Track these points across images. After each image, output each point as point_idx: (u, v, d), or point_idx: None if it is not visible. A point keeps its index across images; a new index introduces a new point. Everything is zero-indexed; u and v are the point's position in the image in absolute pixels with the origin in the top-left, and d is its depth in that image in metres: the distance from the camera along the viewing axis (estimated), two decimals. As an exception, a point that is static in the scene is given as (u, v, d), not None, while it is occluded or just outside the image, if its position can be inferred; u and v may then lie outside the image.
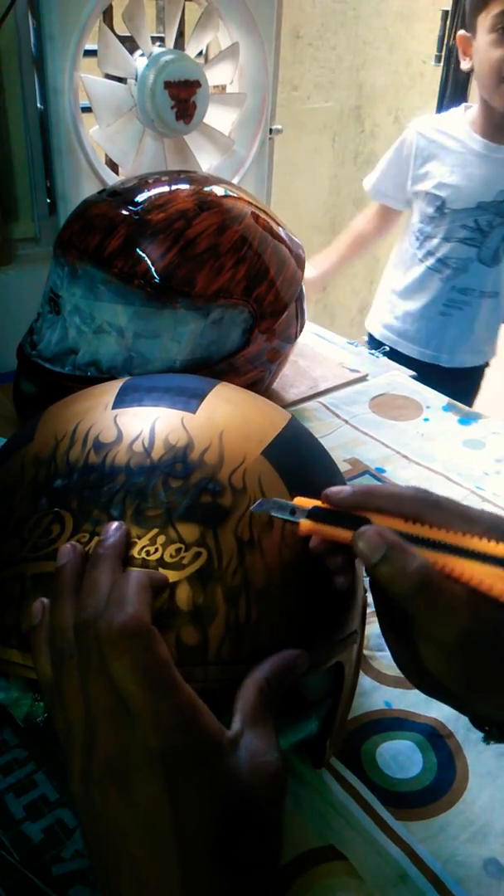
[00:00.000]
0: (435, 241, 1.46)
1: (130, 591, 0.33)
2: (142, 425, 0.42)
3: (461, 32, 1.39)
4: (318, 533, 0.39)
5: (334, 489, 0.39)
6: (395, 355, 1.24)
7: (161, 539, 0.38)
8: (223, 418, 0.44)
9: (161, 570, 0.37)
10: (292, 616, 0.40)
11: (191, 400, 0.45)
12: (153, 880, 0.30)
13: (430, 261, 1.48)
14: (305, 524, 0.39)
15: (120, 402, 0.45)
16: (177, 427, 0.42)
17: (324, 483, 0.43)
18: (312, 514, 0.39)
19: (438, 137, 1.44)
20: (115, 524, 0.37)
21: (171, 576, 0.37)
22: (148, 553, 0.37)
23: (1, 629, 0.38)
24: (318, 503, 0.39)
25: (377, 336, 1.59)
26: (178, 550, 0.38)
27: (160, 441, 0.41)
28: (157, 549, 0.37)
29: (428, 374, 1.09)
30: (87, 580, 0.35)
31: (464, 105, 1.47)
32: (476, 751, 0.53)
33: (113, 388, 0.47)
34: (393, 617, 0.40)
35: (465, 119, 1.43)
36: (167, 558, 0.37)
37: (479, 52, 1.34)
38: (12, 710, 0.48)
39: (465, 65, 1.41)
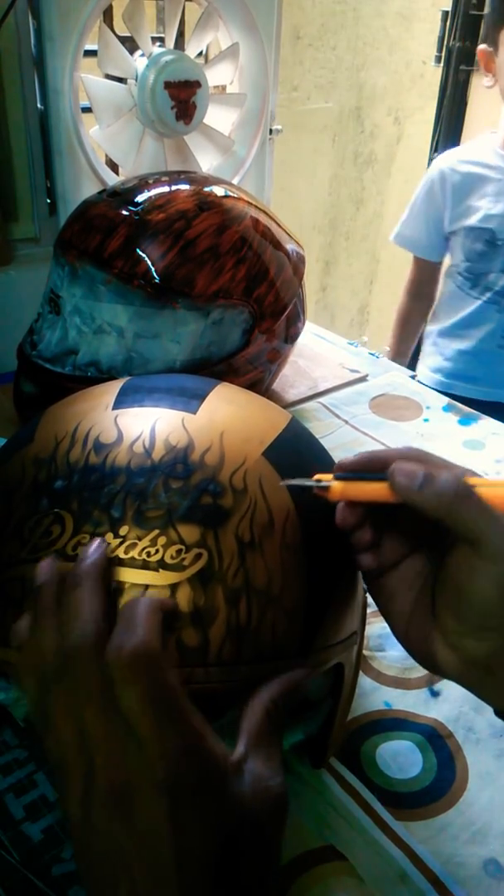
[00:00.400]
0: (492, 276, 1.38)
1: (140, 617, 0.33)
2: (142, 426, 0.42)
3: (482, 47, 1.33)
4: (349, 492, 0.40)
5: (344, 459, 0.40)
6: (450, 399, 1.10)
7: (162, 540, 0.38)
8: (224, 419, 0.44)
9: (161, 570, 0.37)
10: (293, 617, 0.39)
11: (191, 400, 0.45)
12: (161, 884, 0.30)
13: (488, 294, 1.39)
14: (338, 486, 0.40)
15: (120, 402, 0.45)
16: (177, 428, 0.42)
17: None
18: (339, 477, 0.40)
19: (472, 168, 1.37)
20: (95, 542, 0.37)
21: (172, 577, 0.37)
22: (149, 554, 0.37)
23: (1, 630, 0.38)
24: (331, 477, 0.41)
25: (430, 384, 1.43)
26: (179, 552, 0.38)
27: (161, 442, 0.41)
28: (157, 551, 0.37)
29: (491, 411, 1.00)
30: (70, 601, 0.34)
31: (489, 131, 1.42)
32: (476, 751, 0.53)
33: (113, 388, 0.47)
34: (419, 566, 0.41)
35: (495, 144, 1.37)
36: (168, 559, 0.37)
37: (503, 68, 1.28)
38: (13, 709, 0.48)
39: (487, 82, 1.34)
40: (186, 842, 0.30)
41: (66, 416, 0.45)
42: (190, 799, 0.30)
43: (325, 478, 0.40)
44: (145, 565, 0.37)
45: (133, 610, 0.33)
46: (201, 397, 0.45)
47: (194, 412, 0.44)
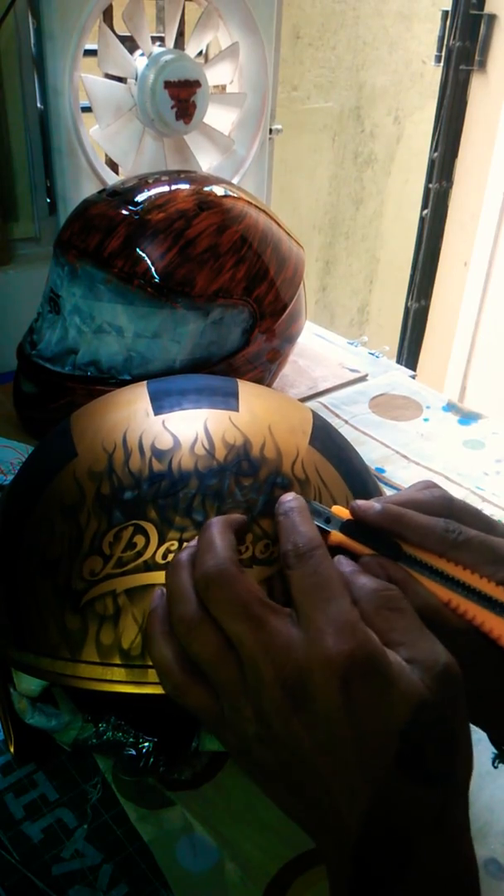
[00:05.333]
0: None
1: (214, 537, 0.34)
2: (194, 428, 0.42)
3: None
4: (344, 547, 0.38)
5: (364, 505, 0.37)
6: None
7: (249, 537, 0.38)
8: (264, 413, 0.45)
9: (255, 566, 0.38)
10: None
11: (228, 398, 0.45)
12: (340, 801, 0.30)
13: None
14: (336, 536, 0.38)
15: (160, 407, 0.45)
16: (229, 426, 0.43)
17: (362, 467, 0.46)
18: (345, 527, 0.38)
19: None
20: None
21: (265, 571, 0.38)
22: (240, 553, 0.37)
23: (99, 648, 0.38)
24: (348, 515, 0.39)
25: None
26: (267, 546, 0.38)
27: (219, 441, 0.42)
28: (247, 548, 0.38)
29: None
30: (200, 546, 0.35)
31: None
32: (476, 751, 0.53)
33: (139, 394, 0.47)
34: None
35: None
36: (258, 554, 0.38)
37: None
38: (60, 736, 0.48)
39: None
40: (363, 728, 0.29)
41: (105, 426, 0.44)
42: (361, 681, 0.29)
43: (341, 514, 0.38)
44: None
45: (207, 532, 0.34)
46: (235, 395, 0.46)
47: (237, 410, 0.44)
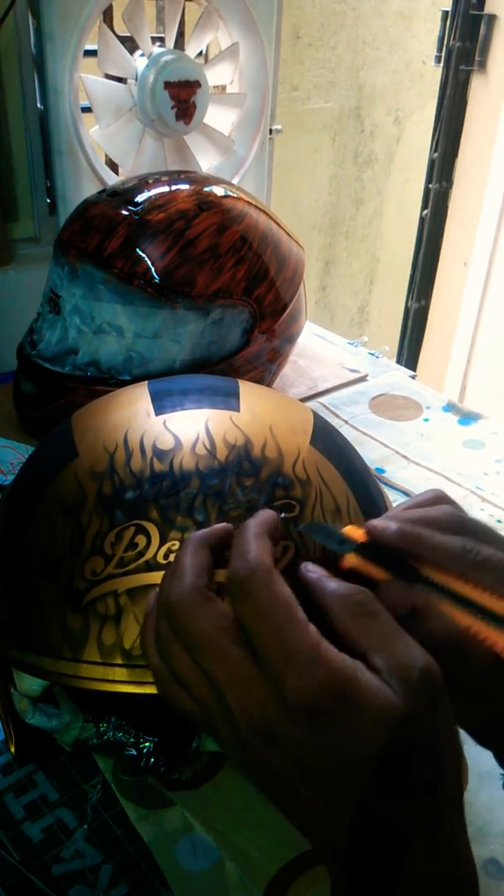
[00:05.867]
0: None
1: (249, 541, 0.33)
2: (196, 428, 0.42)
3: None
4: (360, 570, 0.36)
5: (380, 525, 0.36)
6: None
7: None
8: (265, 413, 0.45)
9: None
10: None
11: (229, 398, 0.45)
12: (325, 818, 0.29)
13: None
14: (350, 559, 0.36)
15: (161, 407, 0.45)
16: (230, 426, 0.43)
17: (363, 467, 0.46)
18: (360, 549, 0.36)
19: None
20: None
21: None
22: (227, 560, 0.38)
23: (101, 648, 0.38)
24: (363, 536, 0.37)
25: None
26: None
27: (220, 441, 0.42)
28: None
29: None
30: (173, 565, 0.35)
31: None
32: (476, 751, 0.53)
33: (140, 394, 0.47)
34: None
35: None
36: None
37: None
38: (61, 736, 0.48)
39: None
40: (340, 755, 0.29)
41: (107, 426, 0.44)
42: (327, 711, 0.29)
43: (354, 535, 0.37)
44: None
45: (243, 535, 0.33)
46: (236, 395, 0.46)
47: (238, 410, 0.44)
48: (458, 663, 0.33)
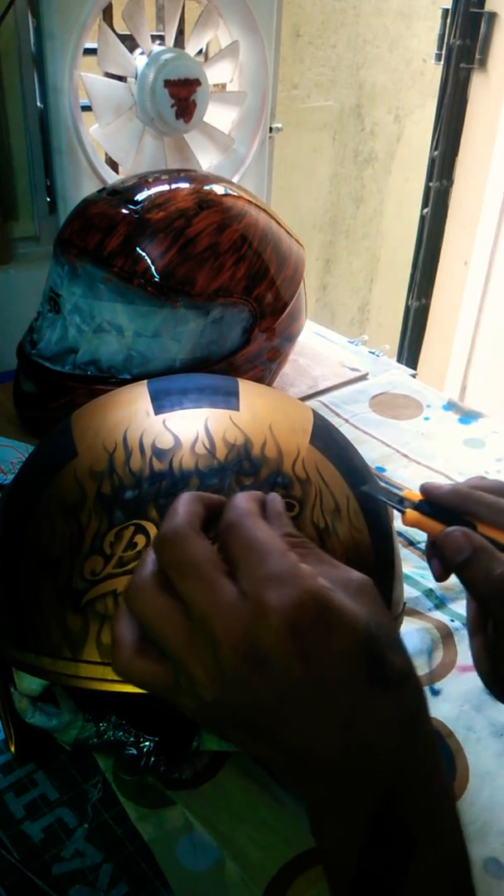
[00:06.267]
0: None
1: (175, 506, 0.34)
2: (195, 427, 0.42)
3: None
4: (420, 525, 0.41)
5: (433, 484, 0.41)
6: None
7: None
8: (265, 413, 0.45)
9: None
10: None
11: (229, 398, 0.45)
12: (314, 736, 0.30)
13: None
14: (411, 514, 0.40)
15: (160, 406, 0.45)
16: (230, 426, 0.43)
17: (363, 466, 0.47)
18: (419, 506, 0.41)
19: None
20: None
21: None
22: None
23: (100, 648, 0.38)
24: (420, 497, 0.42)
25: None
26: None
27: (219, 441, 0.42)
28: None
29: None
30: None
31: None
32: (476, 750, 0.53)
33: (139, 393, 0.47)
34: (477, 614, 0.43)
35: None
36: None
37: None
38: (61, 735, 0.48)
39: None
40: (326, 666, 0.30)
41: (106, 425, 0.44)
42: (311, 626, 0.30)
43: (412, 497, 0.41)
44: None
45: (174, 502, 0.34)
46: (235, 394, 0.46)
47: (237, 409, 0.44)
48: None
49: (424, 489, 0.41)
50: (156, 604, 0.32)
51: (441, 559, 0.43)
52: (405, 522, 0.41)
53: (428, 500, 0.41)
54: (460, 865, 0.31)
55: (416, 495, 0.41)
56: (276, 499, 0.35)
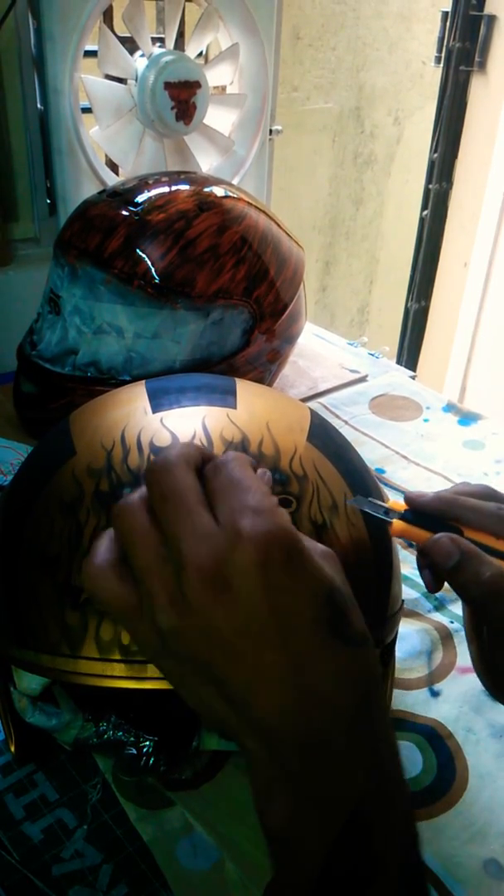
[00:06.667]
0: None
1: (170, 446, 0.35)
2: (192, 425, 0.43)
3: None
4: (406, 534, 0.41)
5: (416, 493, 0.41)
6: None
7: None
8: (262, 411, 0.45)
9: None
10: (368, 590, 0.42)
11: (226, 396, 0.46)
12: (272, 676, 0.29)
13: None
14: (398, 524, 0.40)
15: (158, 405, 0.45)
16: (227, 423, 0.43)
17: (361, 465, 0.47)
18: (405, 516, 0.41)
19: None
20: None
21: None
22: None
23: (99, 644, 0.38)
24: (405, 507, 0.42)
25: None
26: None
27: (217, 438, 0.42)
28: None
29: None
30: None
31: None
32: (476, 751, 0.53)
33: (138, 392, 0.47)
34: (473, 620, 0.43)
35: None
36: None
37: None
38: (61, 735, 0.48)
39: None
40: (291, 604, 0.30)
41: (104, 424, 0.44)
42: (281, 561, 0.30)
43: (397, 507, 0.41)
44: None
45: (174, 442, 0.35)
46: (233, 392, 0.46)
47: (234, 407, 0.44)
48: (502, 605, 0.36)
49: (408, 499, 0.41)
50: (135, 522, 0.32)
51: (431, 568, 0.43)
52: (392, 533, 0.41)
53: (413, 510, 0.41)
54: (416, 877, 0.30)
55: (401, 505, 0.41)
56: (263, 469, 0.36)
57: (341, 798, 0.29)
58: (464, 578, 0.38)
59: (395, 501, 0.42)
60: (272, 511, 0.31)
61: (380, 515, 0.41)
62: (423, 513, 0.40)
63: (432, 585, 0.43)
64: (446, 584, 0.40)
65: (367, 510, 0.41)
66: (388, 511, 0.41)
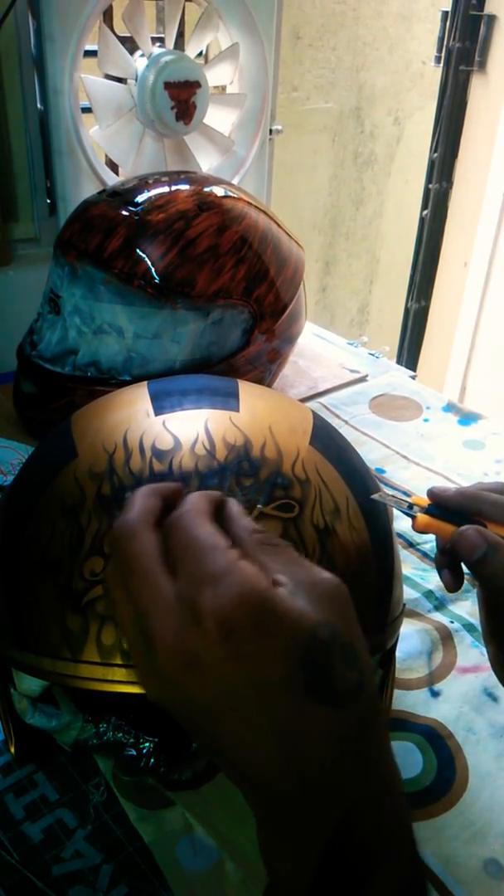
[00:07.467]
0: None
1: (131, 501, 0.33)
2: (195, 428, 0.42)
3: None
4: (431, 528, 0.41)
5: (440, 488, 0.42)
6: None
7: None
8: (264, 414, 0.45)
9: None
10: (370, 593, 0.42)
11: (228, 399, 0.45)
12: (255, 745, 0.29)
13: None
14: (423, 518, 0.41)
15: (160, 407, 0.45)
16: (229, 426, 0.43)
17: (362, 467, 0.47)
18: (428, 510, 0.42)
19: None
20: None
21: None
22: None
23: (100, 648, 0.38)
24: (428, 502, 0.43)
25: None
26: None
27: (219, 442, 0.42)
28: None
29: None
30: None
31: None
32: (476, 751, 0.53)
33: (140, 394, 0.47)
34: (494, 617, 0.43)
35: None
36: None
37: None
38: (61, 736, 0.48)
39: None
40: (260, 670, 0.29)
41: (106, 426, 0.44)
42: (245, 626, 0.28)
43: (420, 502, 0.42)
44: None
45: (133, 495, 0.34)
46: (235, 395, 0.46)
47: (237, 410, 0.44)
48: None
49: (432, 493, 0.42)
50: (114, 594, 0.32)
51: (452, 567, 0.43)
52: (416, 527, 0.41)
53: (436, 504, 0.42)
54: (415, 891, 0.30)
55: (423, 500, 0.42)
56: (233, 502, 0.34)
57: (340, 844, 0.29)
58: (490, 570, 0.38)
59: (417, 497, 0.42)
60: (230, 573, 0.29)
61: (404, 511, 0.42)
62: (447, 507, 0.41)
63: (452, 585, 0.43)
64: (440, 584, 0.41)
65: (392, 505, 0.42)
66: (411, 506, 0.42)
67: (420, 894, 0.30)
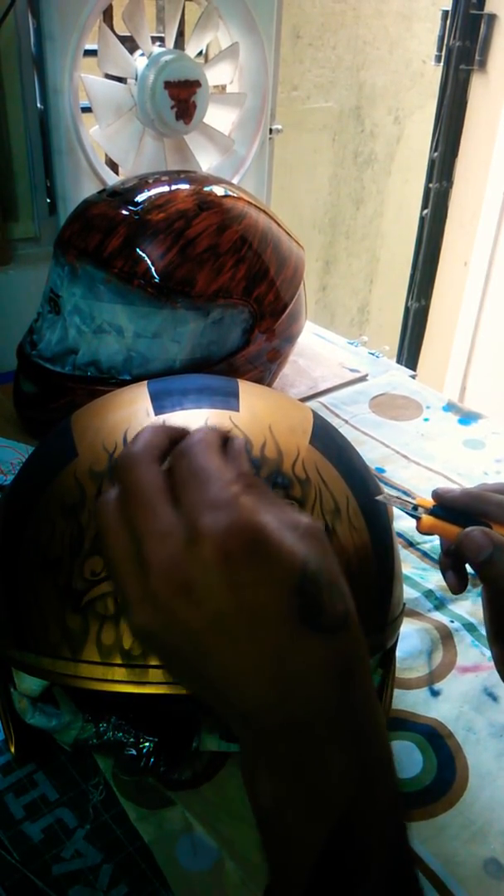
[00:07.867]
0: None
1: (139, 434, 0.34)
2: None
3: None
4: (436, 529, 0.41)
5: (444, 489, 0.42)
6: None
7: None
8: (264, 413, 0.45)
9: None
10: (370, 594, 0.42)
11: (228, 398, 0.46)
12: (246, 674, 0.29)
13: None
14: (427, 520, 0.41)
15: (161, 406, 0.45)
16: (229, 426, 0.43)
17: (362, 467, 0.47)
18: (433, 511, 0.42)
19: None
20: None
21: None
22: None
23: (100, 648, 0.38)
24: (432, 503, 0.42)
25: None
26: None
27: None
28: None
29: None
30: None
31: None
32: (476, 751, 0.53)
33: (140, 393, 0.47)
34: (499, 618, 0.43)
35: None
36: None
37: None
38: (61, 735, 0.48)
39: None
40: (256, 598, 0.29)
41: (106, 426, 0.44)
42: (242, 554, 0.29)
43: (425, 504, 0.42)
44: None
45: (140, 431, 0.34)
46: (235, 394, 0.46)
47: (237, 409, 0.44)
48: None
49: (436, 494, 0.42)
50: (108, 520, 0.32)
51: (457, 568, 0.43)
52: (421, 528, 0.41)
53: (440, 505, 0.42)
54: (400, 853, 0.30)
55: (428, 501, 0.42)
56: (238, 439, 0.35)
57: (326, 780, 0.29)
58: (496, 571, 0.38)
59: (422, 498, 0.42)
60: (231, 503, 0.30)
61: (409, 512, 0.42)
62: (451, 508, 0.41)
63: (457, 586, 0.43)
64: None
65: (396, 506, 0.42)
66: (416, 507, 0.42)
67: (411, 881, 0.30)
